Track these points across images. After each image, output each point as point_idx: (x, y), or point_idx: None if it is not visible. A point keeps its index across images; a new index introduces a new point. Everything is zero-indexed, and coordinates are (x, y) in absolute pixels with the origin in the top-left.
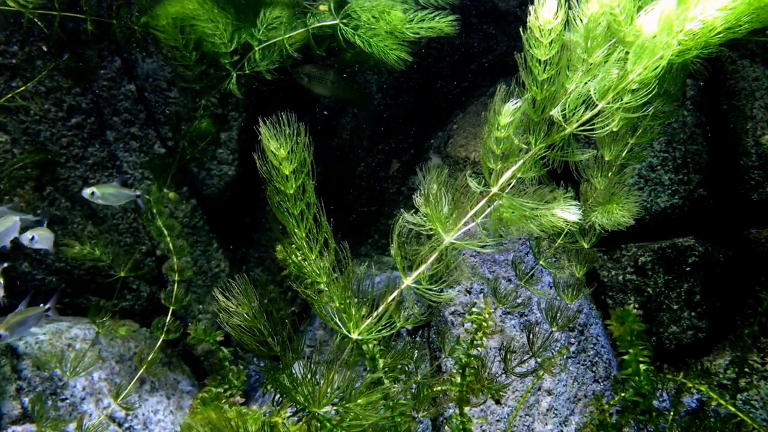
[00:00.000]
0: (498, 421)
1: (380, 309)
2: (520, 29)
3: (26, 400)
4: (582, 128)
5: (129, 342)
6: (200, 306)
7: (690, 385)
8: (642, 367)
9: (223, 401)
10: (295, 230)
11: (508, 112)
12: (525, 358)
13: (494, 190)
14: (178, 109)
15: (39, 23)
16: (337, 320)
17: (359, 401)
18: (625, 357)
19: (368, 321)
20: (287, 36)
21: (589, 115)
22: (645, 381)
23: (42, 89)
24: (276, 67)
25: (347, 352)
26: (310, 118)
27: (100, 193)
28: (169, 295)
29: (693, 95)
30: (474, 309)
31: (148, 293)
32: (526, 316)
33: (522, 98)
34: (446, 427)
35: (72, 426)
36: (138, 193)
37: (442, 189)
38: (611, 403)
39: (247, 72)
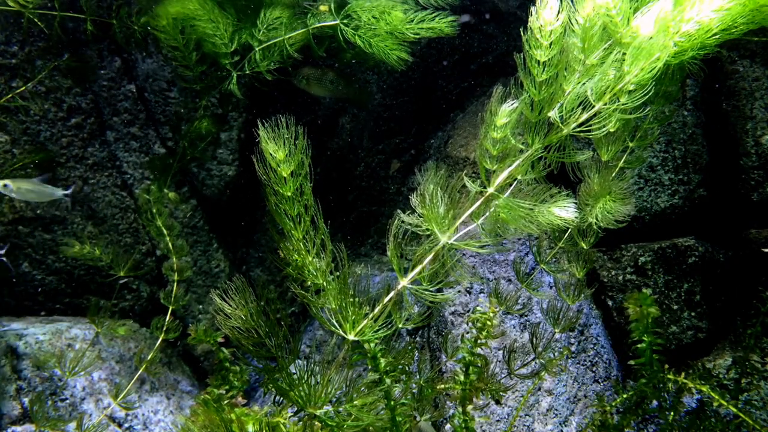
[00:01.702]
0: (498, 421)
1: (376, 310)
2: (521, 30)
3: (26, 400)
4: (579, 129)
5: (129, 342)
6: (200, 306)
7: (692, 385)
8: (656, 356)
9: (225, 402)
10: (293, 232)
11: (504, 113)
12: (528, 359)
13: (490, 190)
14: (178, 109)
15: (39, 23)
16: (334, 321)
17: (356, 402)
18: (639, 345)
19: (364, 322)
20: (287, 36)
21: (586, 116)
22: (659, 371)
23: (42, 89)
24: (276, 68)
25: (344, 353)
26: (311, 118)
27: (14, 187)
28: (169, 294)
29: (693, 95)
30: (478, 308)
31: (148, 293)
32: (527, 316)
33: (519, 99)
34: (448, 426)
35: (72, 426)
36: (66, 192)
37: (438, 189)
38: (613, 404)
39: (248, 72)
